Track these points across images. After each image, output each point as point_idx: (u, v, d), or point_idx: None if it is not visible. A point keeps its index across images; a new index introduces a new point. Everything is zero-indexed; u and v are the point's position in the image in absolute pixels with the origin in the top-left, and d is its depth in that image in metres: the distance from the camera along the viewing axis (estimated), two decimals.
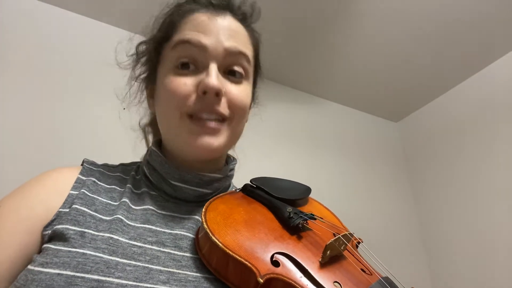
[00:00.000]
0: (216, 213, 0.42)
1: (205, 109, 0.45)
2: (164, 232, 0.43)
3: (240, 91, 0.48)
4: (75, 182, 0.46)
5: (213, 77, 0.44)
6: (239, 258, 0.35)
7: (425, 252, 1.77)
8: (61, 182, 0.45)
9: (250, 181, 0.52)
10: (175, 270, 0.38)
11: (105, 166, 0.53)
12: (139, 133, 0.63)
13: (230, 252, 0.36)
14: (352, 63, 1.71)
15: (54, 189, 0.44)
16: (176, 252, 0.41)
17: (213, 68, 0.45)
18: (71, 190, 0.44)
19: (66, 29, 1.33)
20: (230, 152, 0.60)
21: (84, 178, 0.47)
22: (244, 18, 0.53)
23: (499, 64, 1.66)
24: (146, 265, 0.37)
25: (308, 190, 0.55)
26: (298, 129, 1.76)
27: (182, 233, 0.44)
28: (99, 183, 0.48)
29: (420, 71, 1.75)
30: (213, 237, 0.37)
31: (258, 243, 0.38)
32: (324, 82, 1.83)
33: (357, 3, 1.40)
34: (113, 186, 0.48)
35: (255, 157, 1.55)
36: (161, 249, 0.40)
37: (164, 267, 0.38)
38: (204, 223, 0.39)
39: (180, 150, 0.49)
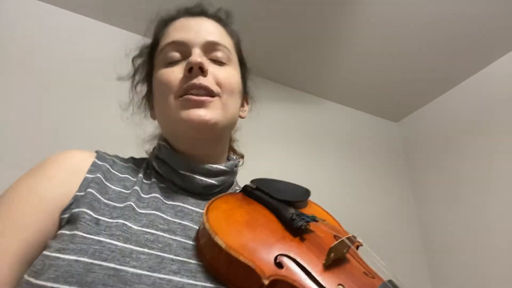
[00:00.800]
0: (218, 212, 0.41)
1: (193, 87, 0.48)
2: (174, 221, 0.44)
3: (225, 71, 0.52)
4: (91, 165, 0.47)
5: (196, 55, 0.49)
6: (243, 259, 0.35)
7: (425, 252, 1.77)
8: (78, 164, 0.46)
9: (250, 182, 0.52)
10: (186, 259, 0.39)
11: (117, 156, 0.55)
12: (140, 133, 0.65)
13: (233, 253, 0.35)
14: (352, 63, 1.70)
15: (71, 171, 0.44)
16: (186, 241, 0.41)
17: (196, 50, 0.50)
18: (87, 173, 0.45)
19: (66, 29, 1.33)
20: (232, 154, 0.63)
21: (100, 162, 0.48)
22: (218, 20, 0.59)
23: (499, 64, 1.66)
24: (159, 253, 0.38)
25: (307, 192, 0.54)
26: (298, 129, 1.76)
27: (190, 224, 0.45)
28: (112, 171, 0.49)
29: (420, 71, 1.75)
30: (215, 238, 0.36)
31: (261, 244, 0.38)
32: (324, 82, 1.82)
33: (357, 3, 1.40)
34: (126, 175, 0.49)
35: (255, 157, 1.54)
36: (172, 237, 0.41)
37: (175, 255, 0.39)
38: (207, 223, 0.38)
39: (181, 133, 0.51)
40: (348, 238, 0.39)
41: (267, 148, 1.61)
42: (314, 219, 0.43)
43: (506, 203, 1.47)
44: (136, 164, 0.54)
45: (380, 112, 2.05)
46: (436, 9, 1.43)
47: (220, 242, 0.36)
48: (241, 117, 0.60)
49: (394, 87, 1.85)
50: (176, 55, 0.51)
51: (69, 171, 0.45)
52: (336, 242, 0.38)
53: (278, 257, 0.37)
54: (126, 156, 0.57)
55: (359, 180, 1.79)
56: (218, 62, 0.53)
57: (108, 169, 0.48)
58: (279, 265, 0.36)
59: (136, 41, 1.63)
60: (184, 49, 0.51)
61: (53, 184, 0.43)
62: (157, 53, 0.55)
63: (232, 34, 0.60)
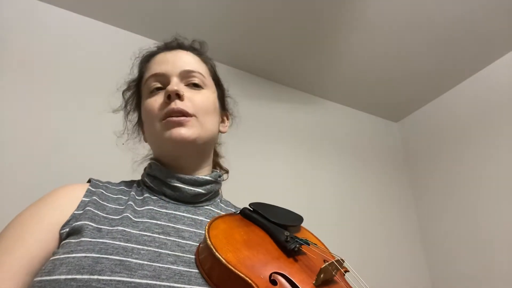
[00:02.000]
0: (218, 231, 0.44)
1: (171, 111, 0.54)
2: (168, 225, 0.49)
3: (200, 95, 0.59)
4: (86, 192, 0.53)
5: (173, 83, 0.57)
6: (241, 274, 0.37)
7: (425, 252, 1.79)
8: (74, 192, 0.52)
9: (249, 205, 0.55)
10: (180, 254, 0.44)
11: (109, 182, 0.61)
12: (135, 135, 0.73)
13: (232, 268, 0.38)
14: (352, 63, 1.71)
15: (68, 198, 0.51)
16: (180, 240, 0.47)
17: (174, 79, 0.58)
18: (83, 197, 0.51)
19: (66, 29, 1.34)
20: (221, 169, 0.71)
21: (93, 189, 0.54)
22: (193, 50, 0.67)
23: (499, 64, 1.66)
24: (156, 249, 0.43)
25: (300, 218, 0.58)
26: (297, 129, 1.77)
27: (183, 227, 0.50)
28: (106, 193, 0.55)
29: (420, 71, 1.75)
30: (216, 253, 0.39)
31: (257, 262, 0.41)
32: (324, 82, 1.83)
33: (357, 3, 1.40)
34: (119, 196, 0.56)
35: (254, 157, 1.57)
36: (167, 237, 0.47)
37: (171, 251, 0.44)
38: (209, 240, 0.41)
39: (168, 151, 0.58)
40: (338, 261, 0.42)
41: (267, 148, 1.62)
42: (306, 242, 0.46)
43: (506, 203, 1.48)
44: (126, 186, 0.61)
45: (380, 112, 2.06)
46: (436, 10, 1.43)
47: (221, 257, 0.39)
48: (222, 132, 0.68)
49: (394, 87, 1.86)
50: (158, 85, 0.60)
51: (66, 198, 0.51)
52: (327, 263, 0.40)
53: (273, 274, 0.40)
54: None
55: (359, 180, 1.81)
56: (194, 87, 0.60)
57: (102, 192, 0.54)
58: (274, 282, 0.39)
59: (136, 41, 1.63)
60: (164, 79, 0.59)
61: (52, 208, 0.49)
62: (142, 85, 0.63)
63: (206, 61, 0.67)
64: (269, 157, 1.61)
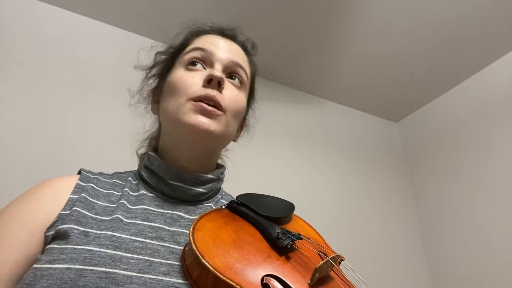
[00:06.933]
0: (204, 232, 0.42)
1: (207, 97, 0.50)
2: (163, 228, 0.46)
3: (237, 93, 0.55)
4: (75, 187, 0.48)
5: (218, 69, 0.54)
6: (230, 282, 0.35)
7: (425, 252, 1.78)
8: (61, 188, 0.48)
9: (236, 197, 0.52)
10: (174, 262, 0.41)
11: (101, 174, 0.56)
12: (138, 135, 0.68)
13: (221, 276, 0.36)
14: (353, 63, 1.70)
15: (55, 194, 0.46)
16: (174, 246, 0.43)
17: (218, 65, 0.54)
18: (71, 194, 0.47)
19: (66, 29, 1.34)
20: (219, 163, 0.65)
21: (83, 184, 0.49)
22: (245, 48, 0.64)
23: (499, 64, 1.65)
24: (148, 258, 0.40)
25: (291, 207, 0.55)
26: (298, 129, 1.77)
27: (180, 230, 0.47)
28: (97, 188, 0.50)
29: (420, 71, 1.74)
30: (203, 260, 0.37)
31: (248, 265, 0.38)
32: (324, 82, 1.83)
33: (358, 4, 1.40)
34: (111, 191, 0.51)
35: (254, 158, 1.56)
36: (161, 243, 0.43)
37: (164, 259, 0.41)
38: (193, 244, 0.39)
39: (181, 135, 0.52)
40: (333, 258, 0.41)
41: (268, 148, 1.62)
42: (299, 237, 0.44)
43: (506, 203, 1.47)
44: (120, 178, 0.56)
45: (380, 112, 2.05)
46: (436, 10, 1.42)
47: (207, 264, 0.36)
48: (233, 141, 0.64)
49: (394, 87, 1.85)
50: (199, 59, 0.55)
51: (52, 194, 0.47)
52: (322, 262, 0.39)
53: (265, 278, 0.38)
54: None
55: (359, 180, 1.80)
56: (234, 83, 0.56)
57: (93, 187, 0.50)
58: (266, 286, 0.37)
59: (136, 41, 1.64)
60: (208, 58, 0.55)
61: (36, 207, 0.45)
62: (182, 55, 0.58)
63: (252, 63, 0.64)
64: (269, 157, 1.60)
